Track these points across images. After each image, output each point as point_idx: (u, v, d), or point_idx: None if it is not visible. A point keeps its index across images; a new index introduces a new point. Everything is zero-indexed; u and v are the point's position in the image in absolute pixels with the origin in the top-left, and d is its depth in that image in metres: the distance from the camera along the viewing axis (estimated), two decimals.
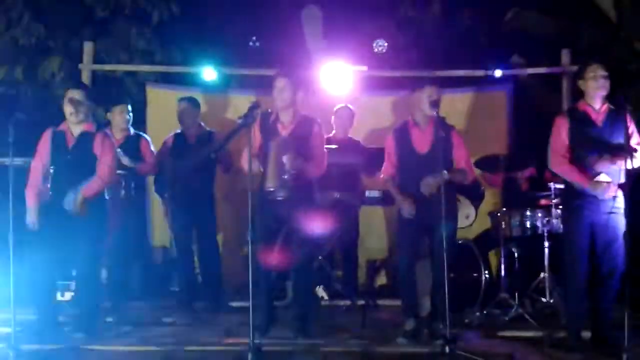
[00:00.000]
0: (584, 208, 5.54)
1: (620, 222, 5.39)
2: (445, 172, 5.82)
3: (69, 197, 5.85)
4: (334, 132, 7.94)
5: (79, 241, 5.94)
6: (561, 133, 5.62)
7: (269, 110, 6.12)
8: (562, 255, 5.77)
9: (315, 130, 6.12)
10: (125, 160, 7.29)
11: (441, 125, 5.80)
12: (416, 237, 6.09)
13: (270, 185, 5.86)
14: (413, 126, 6.11)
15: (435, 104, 5.81)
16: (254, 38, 12.05)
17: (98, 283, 6.21)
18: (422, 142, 6.02)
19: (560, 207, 6.64)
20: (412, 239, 6.08)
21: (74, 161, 5.99)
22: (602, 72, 5.55)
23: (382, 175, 6.29)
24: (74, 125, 6.05)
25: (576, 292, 5.64)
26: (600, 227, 5.51)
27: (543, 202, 7.05)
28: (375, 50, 9.75)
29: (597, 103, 5.60)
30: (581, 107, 5.64)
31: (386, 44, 9.77)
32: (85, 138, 6.05)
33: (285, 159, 5.80)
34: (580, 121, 5.57)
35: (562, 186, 6.51)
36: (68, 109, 6.00)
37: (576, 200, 5.60)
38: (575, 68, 8.13)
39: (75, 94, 6.03)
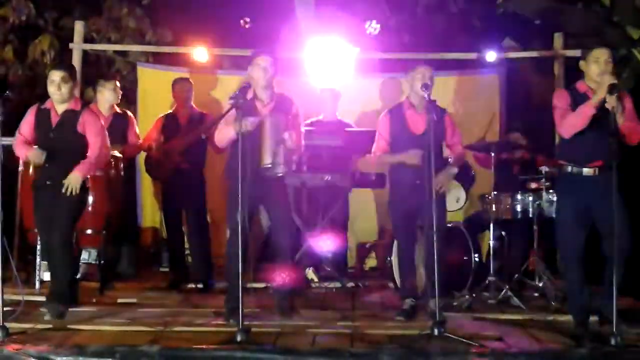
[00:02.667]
0: (576, 191, 5.51)
1: (618, 202, 5.34)
2: (455, 168, 6.05)
3: (70, 180, 5.85)
4: (322, 115, 7.91)
5: (57, 216, 5.93)
6: (564, 103, 5.55)
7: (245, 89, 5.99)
8: (558, 241, 5.76)
9: (294, 109, 6.06)
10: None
11: (434, 109, 5.77)
12: (410, 218, 6.10)
13: (268, 161, 5.70)
14: (409, 107, 6.09)
15: (426, 87, 5.79)
16: (247, 19, 11.98)
17: (70, 259, 6.16)
18: (417, 123, 6.01)
19: (552, 191, 6.67)
20: (407, 220, 6.11)
21: (57, 139, 5.97)
22: (606, 58, 5.50)
23: (376, 153, 6.23)
24: (58, 103, 6.04)
25: (575, 280, 5.59)
26: (598, 210, 5.46)
27: (534, 185, 7.05)
28: (369, 31, 9.71)
29: (596, 85, 5.55)
30: (581, 88, 5.58)
31: (379, 25, 9.73)
32: (70, 116, 6.02)
33: (287, 135, 5.72)
34: (580, 101, 5.51)
35: (554, 170, 6.52)
36: (52, 89, 5.99)
37: (569, 184, 5.57)
38: (567, 52, 8.23)
39: (59, 74, 5.98)
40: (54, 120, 6.02)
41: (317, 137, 7.23)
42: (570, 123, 5.41)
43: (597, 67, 5.45)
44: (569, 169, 5.54)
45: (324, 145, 7.11)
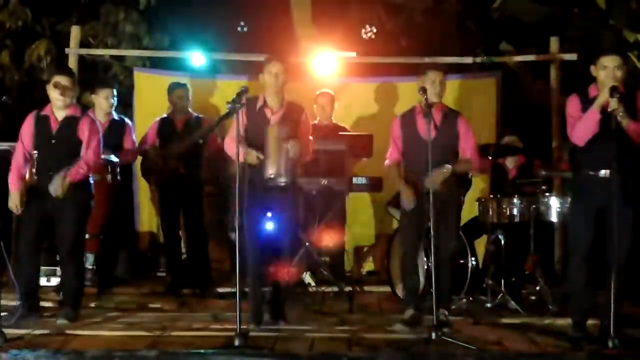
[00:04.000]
0: (592, 193, 5.48)
1: (627, 209, 5.33)
2: (449, 165, 5.86)
3: (54, 182, 5.81)
4: (318, 119, 7.90)
5: (62, 225, 5.92)
6: (574, 111, 5.55)
7: (253, 96, 6.01)
8: (568, 241, 5.77)
9: (303, 117, 6.07)
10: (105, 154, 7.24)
11: (448, 113, 5.78)
12: (419, 226, 6.04)
13: (271, 171, 5.74)
14: (420, 112, 6.03)
15: (423, 91, 5.78)
16: (242, 23, 12.01)
17: (82, 266, 6.19)
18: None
19: (549, 195, 6.70)
20: (415, 227, 6.03)
21: (58, 145, 5.93)
22: (614, 64, 5.47)
23: (387, 161, 6.20)
24: (59, 109, 5.99)
25: (579, 282, 5.57)
26: (607, 215, 5.42)
27: (531, 189, 7.05)
28: (365, 36, 9.74)
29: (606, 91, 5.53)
30: (592, 93, 5.57)
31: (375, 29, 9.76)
32: (70, 122, 5.99)
33: (290, 145, 5.74)
34: (590, 105, 5.48)
35: (552, 174, 6.53)
36: (54, 94, 5.94)
37: (585, 186, 5.54)
38: (564, 55, 8.24)
39: (62, 79, 5.96)
40: (54, 127, 5.97)
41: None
42: (579, 130, 5.42)
43: (605, 74, 5.45)
44: (585, 171, 5.52)
45: (320, 149, 7.09)
